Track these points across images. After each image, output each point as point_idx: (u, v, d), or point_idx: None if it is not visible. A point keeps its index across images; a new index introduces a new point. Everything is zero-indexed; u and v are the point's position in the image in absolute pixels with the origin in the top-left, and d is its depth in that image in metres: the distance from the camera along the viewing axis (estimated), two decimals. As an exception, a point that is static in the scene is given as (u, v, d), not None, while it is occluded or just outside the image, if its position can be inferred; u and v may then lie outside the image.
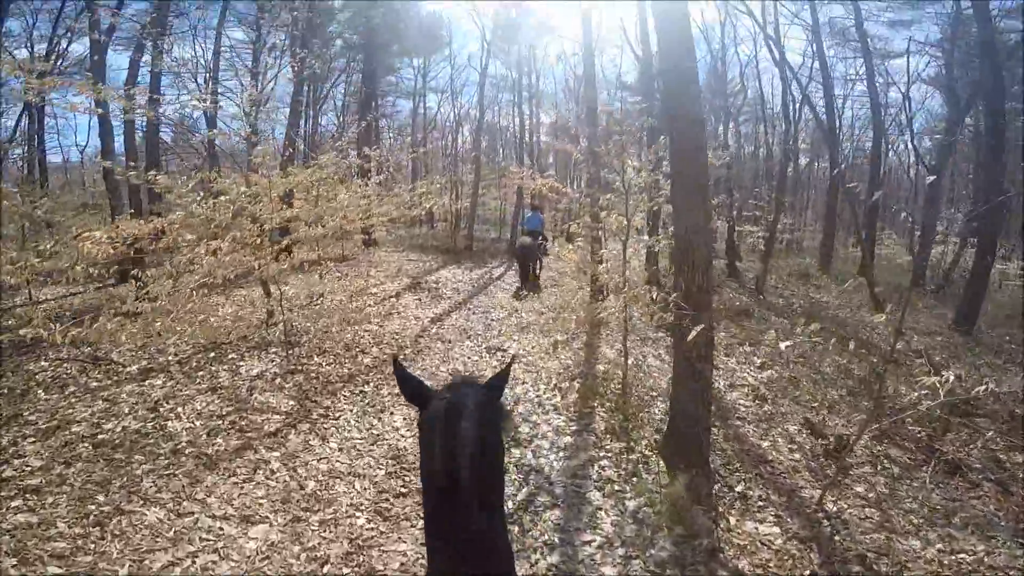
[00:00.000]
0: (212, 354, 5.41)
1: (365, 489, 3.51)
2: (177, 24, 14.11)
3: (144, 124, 11.85)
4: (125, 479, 3.31)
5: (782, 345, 2.48)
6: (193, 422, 4.13)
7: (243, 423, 4.16)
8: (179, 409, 4.30)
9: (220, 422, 4.15)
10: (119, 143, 10.33)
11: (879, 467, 4.08)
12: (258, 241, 4.99)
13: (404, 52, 20.84)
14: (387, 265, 11.21)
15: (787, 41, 14.04)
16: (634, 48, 13.17)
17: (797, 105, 13.98)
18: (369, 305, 7.49)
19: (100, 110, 6.21)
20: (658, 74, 3.62)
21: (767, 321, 8.57)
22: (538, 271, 9.99)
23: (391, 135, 23.88)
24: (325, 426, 4.24)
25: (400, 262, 11.72)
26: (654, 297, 3.94)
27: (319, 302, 6.04)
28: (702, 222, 3.38)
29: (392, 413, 4.50)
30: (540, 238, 9.97)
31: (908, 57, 13.71)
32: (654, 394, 5.03)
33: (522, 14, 16.40)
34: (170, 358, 5.28)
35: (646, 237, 5.33)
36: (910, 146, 16.79)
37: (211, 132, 6.91)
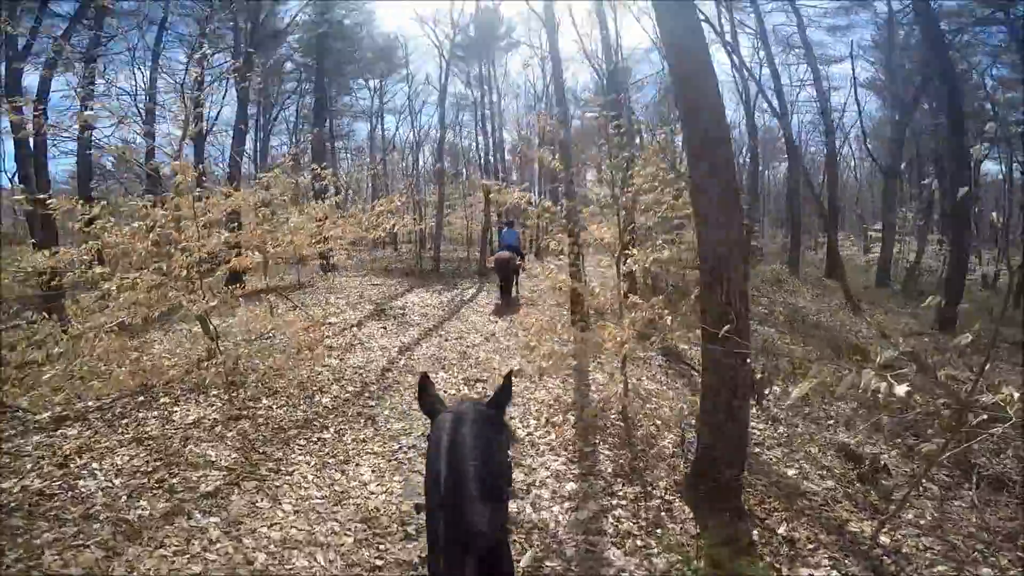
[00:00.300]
0: (141, 398, 4.55)
1: (331, 562, 2.81)
2: (113, 45, 13.08)
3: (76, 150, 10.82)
4: (22, 551, 2.62)
5: (899, 390, 1.68)
6: (111, 480, 3.36)
7: (174, 481, 3.38)
8: (95, 465, 3.51)
9: (145, 480, 3.37)
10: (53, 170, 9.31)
11: (922, 489, 3.61)
12: (183, 273, 4.23)
13: (359, 73, 20.30)
14: (348, 291, 10.41)
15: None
16: (592, 61, 13.10)
17: (752, 106, 14.07)
18: (328, 336, 6.70)
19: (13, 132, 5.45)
20: (671, 68, 3.08)
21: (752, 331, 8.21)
22: (516, 287, 9.81)
23: (348, 156, 23.14)
24: (276, 483, 3.47)
25: (362, 287, 10.92)
26: (670, 323, 3.39)
27: (270, 336, 5.24)
28: (736, 235, 2.83)
29: (358, 464, 3.77)
30: (517, 253, 9.89)
31: (852, 60, 14.03)
32: (659, 423, 4.47)
33: (480, 30, 16.11)
34: (90, 404, 4.43)
35: (634, 252, 4.77)
36: (862, 147, 17.18)
37: (112, 147, 6.02)
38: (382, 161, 22.82)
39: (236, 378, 4.90)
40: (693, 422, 4.16)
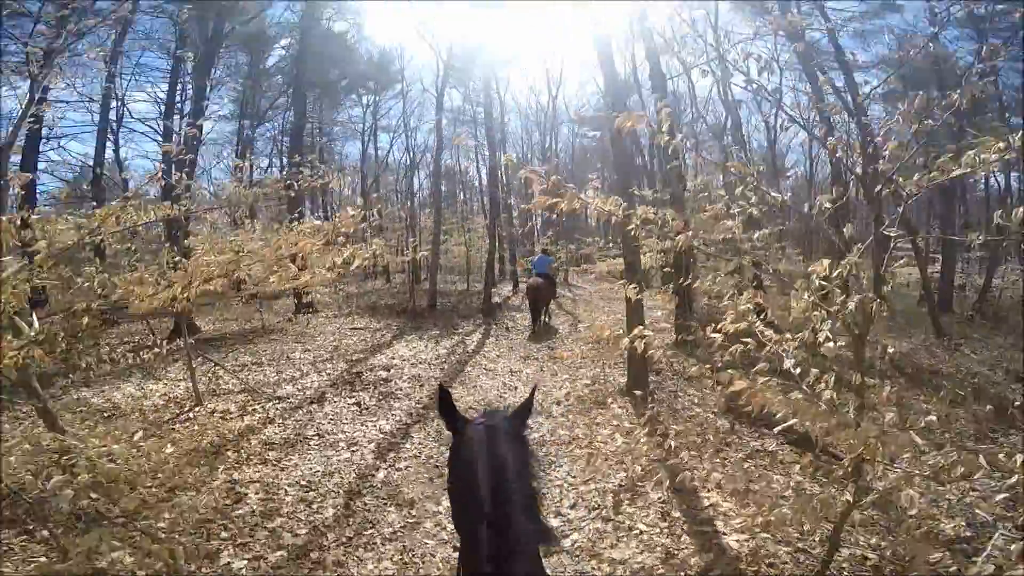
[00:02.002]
0: None
1: None
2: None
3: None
4: None
5: None
6: None
7: None
8: None
9: None
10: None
11: None
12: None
13: (350, 88, 18.60)
14: (321, 340, 8.25)
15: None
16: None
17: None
18: (269, 420, 4.53)
19: None
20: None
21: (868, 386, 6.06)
22: (548, 316, 9.81)
23: (337, 176, 21.37)
24: None
25: (340, 334, 8.74)
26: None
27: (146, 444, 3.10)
28: None
29: None
30: (551, 282, 9.90)
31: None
32: None
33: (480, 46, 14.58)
34: None
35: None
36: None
37: None
38: (374, 182, 20.96)
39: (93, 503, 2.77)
40: None
